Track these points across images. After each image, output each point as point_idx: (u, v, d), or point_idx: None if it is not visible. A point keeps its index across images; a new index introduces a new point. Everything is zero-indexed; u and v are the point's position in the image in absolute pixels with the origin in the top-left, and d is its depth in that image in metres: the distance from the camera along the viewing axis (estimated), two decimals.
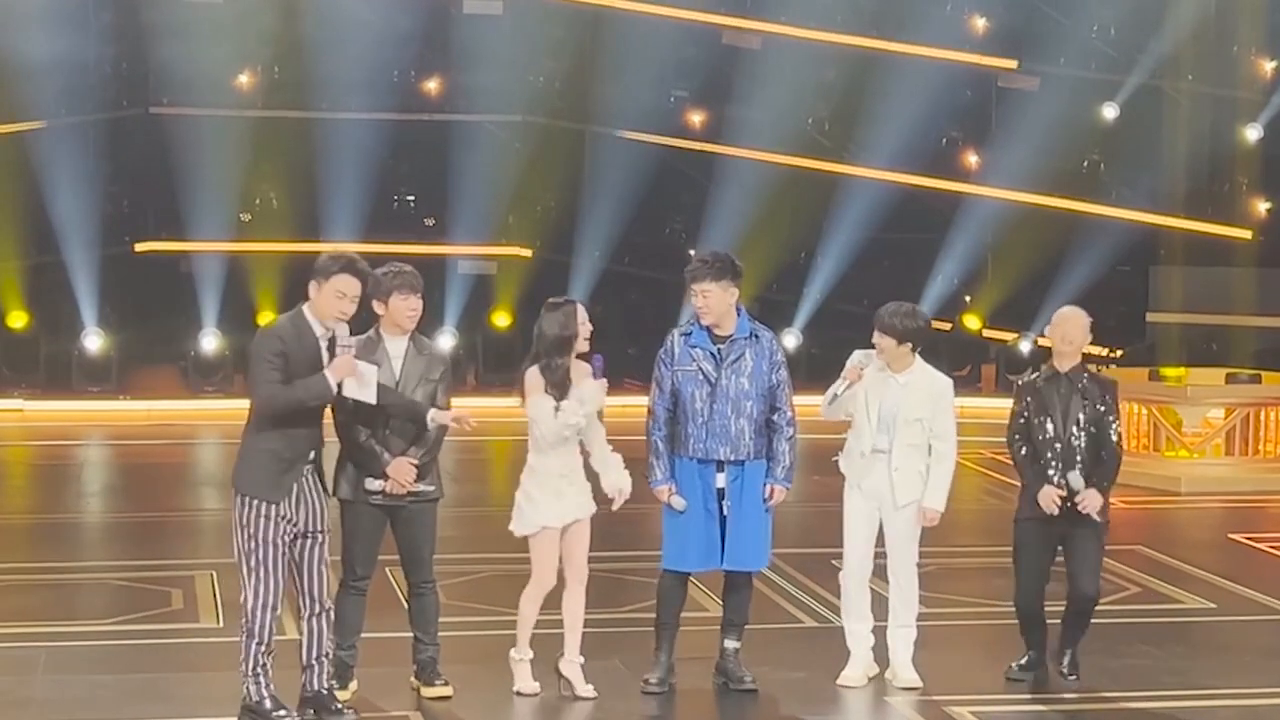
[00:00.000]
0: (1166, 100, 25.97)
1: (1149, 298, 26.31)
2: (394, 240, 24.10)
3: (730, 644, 9.93)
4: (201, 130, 24.86)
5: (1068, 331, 10.08)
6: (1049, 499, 9.92)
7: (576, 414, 9.44)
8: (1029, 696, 9.95)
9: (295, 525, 8.98)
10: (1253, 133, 25.73)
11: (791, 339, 25.44)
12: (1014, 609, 10.19)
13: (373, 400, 9.07)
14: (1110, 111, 26.00)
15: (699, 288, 9.73)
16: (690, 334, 9.80)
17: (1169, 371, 19.18)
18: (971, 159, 26.66)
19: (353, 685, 9.64)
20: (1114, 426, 10.16)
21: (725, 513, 9.74)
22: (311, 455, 9.03)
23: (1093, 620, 10.17)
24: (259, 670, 9.00)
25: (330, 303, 8.87)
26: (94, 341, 24.01)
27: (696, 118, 26.65)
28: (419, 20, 25.72)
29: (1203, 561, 13.71)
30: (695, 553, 9.76)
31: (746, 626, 9.94)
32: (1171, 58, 25.49)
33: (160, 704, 9.48)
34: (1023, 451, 10.08)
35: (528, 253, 26.34)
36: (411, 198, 27.20)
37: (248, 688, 9.03)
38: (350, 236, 25.03)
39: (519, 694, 9.56)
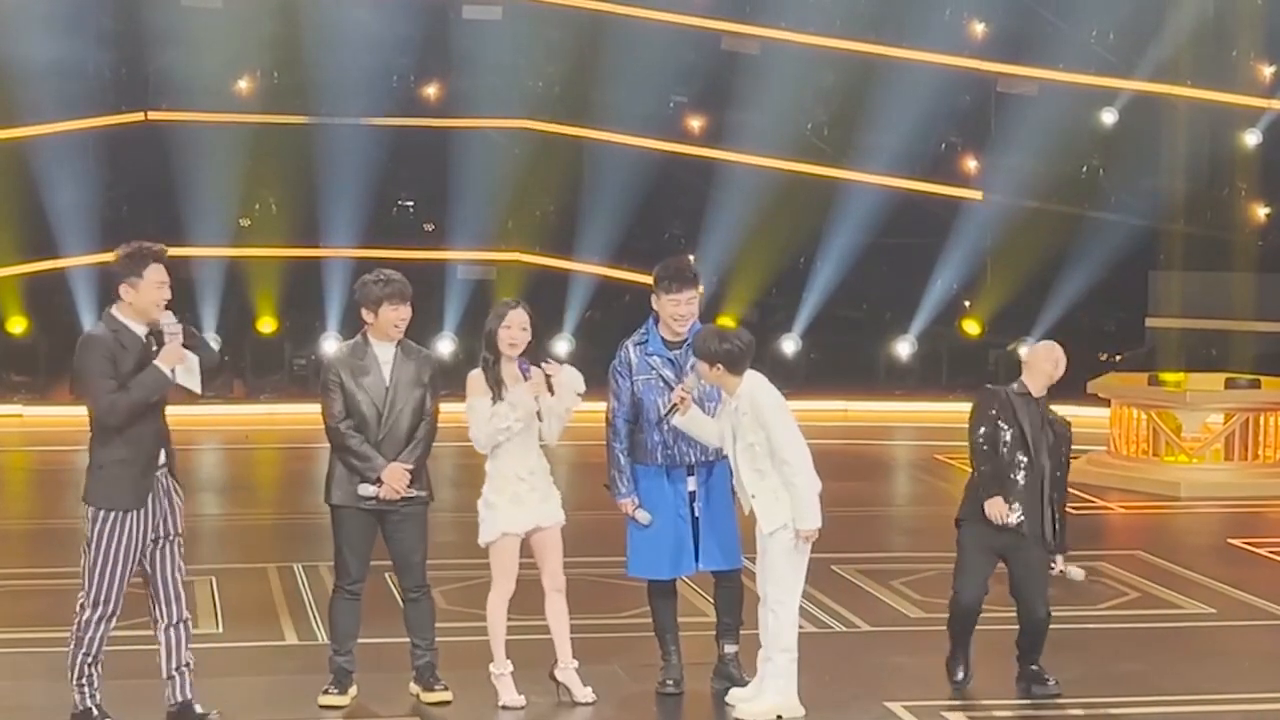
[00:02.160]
0: (1165, 105, 25.95)
1: (1148, 302, 26.29)
2: (393, 245, 24.09)
3: (729, 648, 9.94)
4: (200, 135, 24.83)
5: (1037, 363, 10.03)
6: (1000, 510, 9.83)
7: (508, 418, 9.43)
8: (1026, 702, 9.94)
9: (153, 532, 8.95)
10: (1251, 138, 25.72)
11: (790, 344, 25.43)
12: (952, 610, 10.05)
13: (199, 390, 8.97)
14: (1109, 116, 25.99)
15: (682, 296, 9.80)
16: (645, 342, 9.84)
17: (1168, 376, 19.15)
18: (970, 164, 26.65)
19: (352, 690, 9.64)
20: (1069, 452, 10.11)
21: (696, 515, 9.77)
22: (162, 458, 8.97)
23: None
24: (84, 681, 9.03)
25: (152, 292, 8.88)
26: None
27: (695, 123, 26.63)
28: (418, 25, 25.69)
29: (1202, 566, 13.70)
30: (669, 559, 9.78)
31: (743, 630, 9.93)
32: (1171, 62, 25.47)
33: (158, 710, 9.45)
34: (984, 448, 9.95)
35: (527, 258, 26.34)
36: (411, 203, 27.17)
37: (74, 698, 9.06)
38: (349, 242, 25.03)
39: (505, 708, 9.55)
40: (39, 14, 23.95)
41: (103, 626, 8.95)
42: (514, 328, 9.49)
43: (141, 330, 8.91)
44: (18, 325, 24.74)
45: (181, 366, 8.88)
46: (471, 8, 25.86)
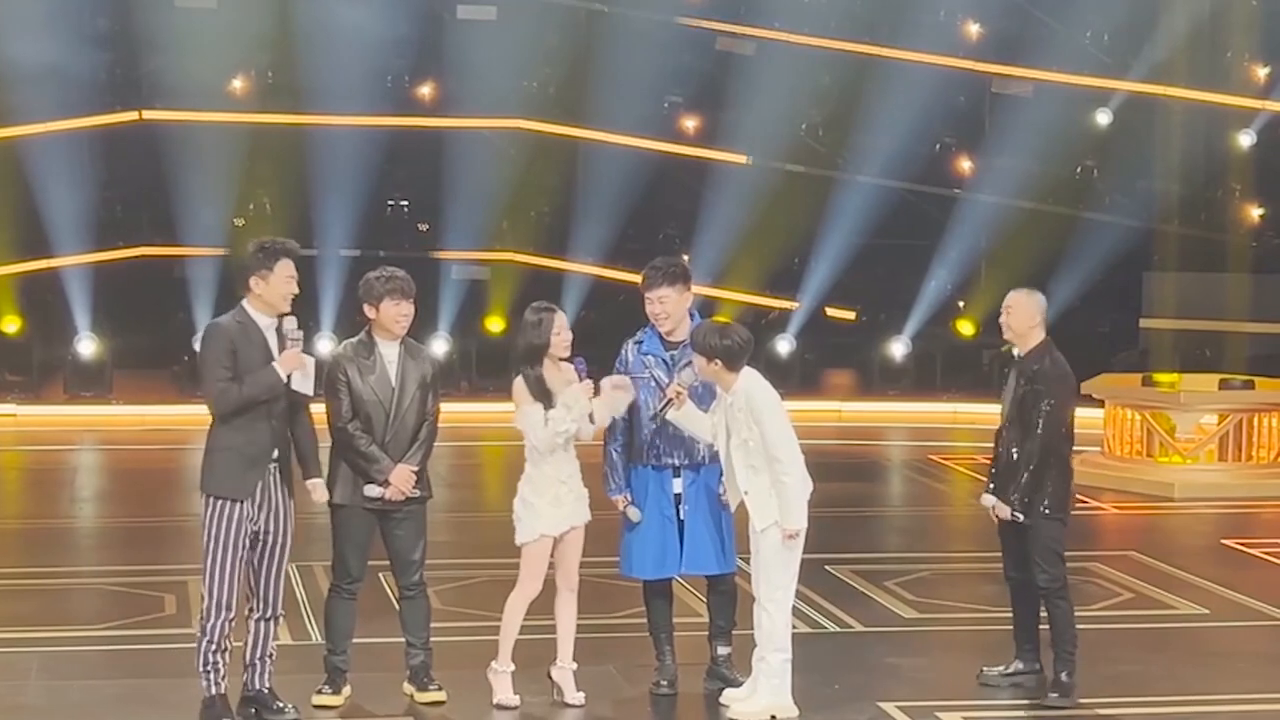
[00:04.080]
0: (1159, 106, 25.99)
1: (1142, 303, 26.33)
2: (387, 246, 24.11)
3: (722, 650, 9.94)
4: (195, 135, 24.86)
5: (1008, 316, 10.07)
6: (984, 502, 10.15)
7: (565, 421, 9.43)
8: (1023, 703, 9.94)
9: (255, 525, 9.02)
10: (1245, 139, 25.76)
11: (785, 345, 25.45)
12: None
13: (310, 392, 9.12)
14: (1104, 117, 26.02)
15: (656, 294, 9.77)
16: (643, 342, 9.85)
17: (1162, 377, 19.18)
18: (965, 165, 26.68)
19: (346, 690, 9.64)
20: (1042, 410, 9.83)
21: (682, 517, 9.77)
22: (275, 453, 9.06)
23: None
24: (209, 668, 9.07)
25: (281, 286, 9.04)
26: (87, 347, 24.00)
27: (690, 123, 26.67)
28: (412, 25, 25.72)
29: (1196, 567, 13.71)
30: (652, 559, 9.77)
31: (736, 632, 9.93)
32: (1165, 64, 25.52)
33: (154, 709, 9.47)
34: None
35: (521, 258, 26.36)
36: (405, 203, 27.21)
37: (201, 684, 9.12)
38: (344, 242, 25.04)
39: (499, 706, 9.55)
40: (34, 14, 23.96)
41: (221, 617, 9.01)
42: (563, 331, 9.54)
43: (267, 323, 9.03)
44: (11, 324, 24.75)
45: (299, 372, 9.02)
46: (466, 7, 25.90)
